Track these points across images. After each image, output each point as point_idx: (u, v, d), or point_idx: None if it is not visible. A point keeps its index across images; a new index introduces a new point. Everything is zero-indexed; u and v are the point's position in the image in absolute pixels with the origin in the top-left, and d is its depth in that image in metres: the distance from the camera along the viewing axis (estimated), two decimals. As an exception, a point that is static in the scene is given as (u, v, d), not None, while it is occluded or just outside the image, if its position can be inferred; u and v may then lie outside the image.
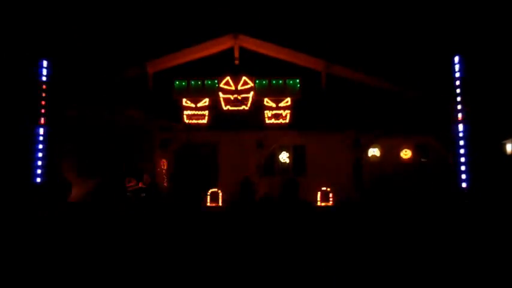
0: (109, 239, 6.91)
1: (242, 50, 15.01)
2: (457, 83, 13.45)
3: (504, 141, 15.72)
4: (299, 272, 4.58)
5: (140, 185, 12.81)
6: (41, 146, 12.70)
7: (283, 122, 14.52)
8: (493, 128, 14.37)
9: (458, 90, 13.43)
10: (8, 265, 4.94)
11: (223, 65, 14.80)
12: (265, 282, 4.19)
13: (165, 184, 14.57)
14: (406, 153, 15.97)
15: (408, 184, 13.41)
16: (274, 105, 14.56)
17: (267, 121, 14.55)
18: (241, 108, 14.54)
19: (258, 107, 14.53)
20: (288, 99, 14.53)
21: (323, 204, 12.58)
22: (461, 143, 13.58)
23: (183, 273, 4.57)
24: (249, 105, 14.54)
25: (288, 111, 14.52)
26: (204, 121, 14.57)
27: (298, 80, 14.57)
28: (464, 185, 13.33)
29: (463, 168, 13.47)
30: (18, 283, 4.25)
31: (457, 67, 13.52)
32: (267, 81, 14.60)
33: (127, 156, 13.92)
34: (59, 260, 5.22)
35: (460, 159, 13.62)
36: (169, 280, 4.29)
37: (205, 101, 14.60)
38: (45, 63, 12.96)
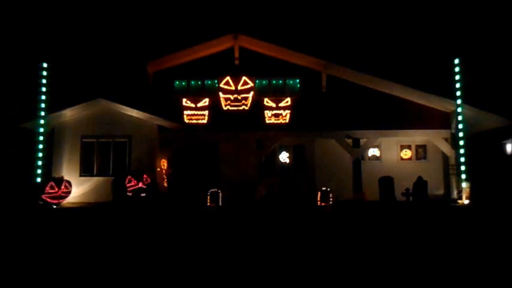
0: (108, 239, 6.92)
1: (242, 50, 15.00)
2: (458, 84, 13.51)
3: (504, 141, 15.74)
4: (298, 271, 4.59)
5: (140, 185, 12.80)
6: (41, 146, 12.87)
7: (283, 122, 14.52)
8: (493, 128, 14.41)
9: (458, 92, 13.48)
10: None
11: (223, 65, 14.79)
12: (264, 282, 4.20)
13: (165, 184, 14.56)
14: (406, 153, 16.00)
15: (408, 184, 13.42)
16: (274, 105, 14.55)
17: (267, 121, 14.54)
18: (241, 108, 14.54)
19: (258, 107, 14.52)
20: (288, 99, 14.52)
21: (323, 204, 12.57)
22: (461, 143, 13.61)
23: (182, 273, 4.58)
24: (249, 105, 14.54)
25: (288, 111, 14.52)
26: (204, 121, 14.56)
27: (298, 80, 14.57)
28: (463, 184, 13.37)
29: (463, 167, 13.51)
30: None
31: (457, 69, 13.59)
32: (267, 81, 14.59)
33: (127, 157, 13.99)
34: (58, 260, 5.23)
35: (460, 159, 13.67)
36: (169, 280, 4.30)
37: (205, 101, 14.58)
38: (44, 65, 13.08)
